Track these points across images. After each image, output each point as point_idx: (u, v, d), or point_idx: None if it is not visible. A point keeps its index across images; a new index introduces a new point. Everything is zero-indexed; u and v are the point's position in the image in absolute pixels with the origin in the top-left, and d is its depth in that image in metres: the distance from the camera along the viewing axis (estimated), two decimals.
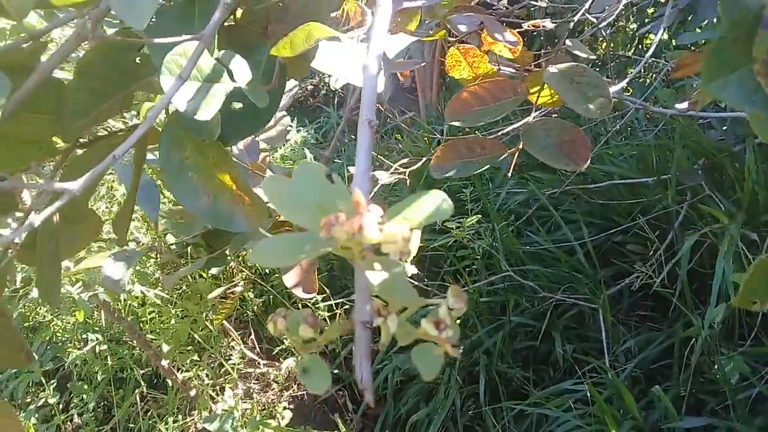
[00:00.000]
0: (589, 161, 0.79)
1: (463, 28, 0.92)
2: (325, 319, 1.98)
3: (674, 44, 2.47)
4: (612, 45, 2.97)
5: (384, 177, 1.42)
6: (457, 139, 0.94)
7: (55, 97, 0.60)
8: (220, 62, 0.56)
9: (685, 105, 0.76)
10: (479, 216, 1.86)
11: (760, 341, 1.49)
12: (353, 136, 2.68)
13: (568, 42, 1.00)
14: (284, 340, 1.81)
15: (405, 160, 1.47)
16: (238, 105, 0.67)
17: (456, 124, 0.92)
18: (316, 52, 0.68)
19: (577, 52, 0.94)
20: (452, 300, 0.44)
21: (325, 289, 1.93)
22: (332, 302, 1.94)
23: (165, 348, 1.74)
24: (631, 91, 2.45)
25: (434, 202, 0.34)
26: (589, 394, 1.48)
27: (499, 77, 0.97)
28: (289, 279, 1.13)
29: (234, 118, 0.67)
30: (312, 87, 4.91)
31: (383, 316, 0.36)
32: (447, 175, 0.95)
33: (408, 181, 1.45)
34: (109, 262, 0.95)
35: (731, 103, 0.37)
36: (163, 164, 0.64)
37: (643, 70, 2.77)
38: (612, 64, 2.84)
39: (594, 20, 1.52)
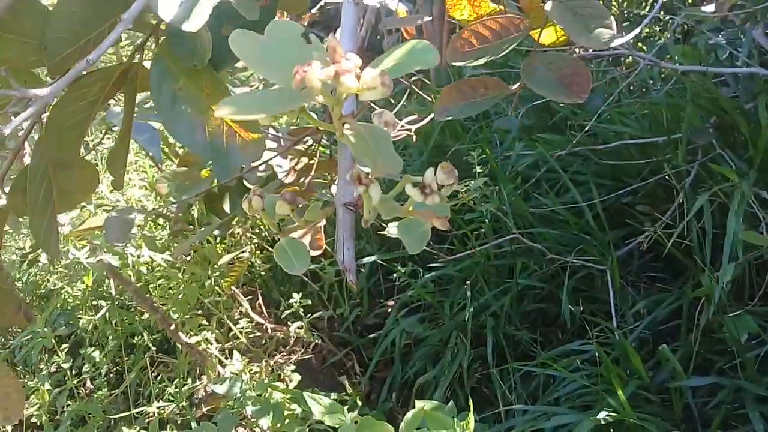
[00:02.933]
0: (589, 92, 0.77)
1: None
2: (332, 285, 1.99)
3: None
4: (626, 3, 2.89)
5: (391, 133, 1.40)
6: (460, 81, 0.91)
7: (38, 22, 0.57)
8: None
9: (712, 7, 0.73)
10: (486, 179, 1.84)
11: None
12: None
13: None
14: (292, 304, 1.82)
15: (412, 117, 1.45)
16: (229, 30, 0.65)
17: (458, 64, 0.89)
18: None
19: None
20: (442, 175, 0.41)
21: (333, 253, 1.93)
22: (340, 267, 1.94)
23: (174, 314, 1.76)
24: (645, 49, 2.40)
25: (415, 49, 0.32)
26: (596, 354, 1.47)
27: (501, 15, 0.94)
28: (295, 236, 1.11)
29: (225, 43, 0.65)
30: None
31: (365, 185, 0.34)
32: (451, 117, 0.93)
33: (415, 139, 1.43)
34: (110, 217, 0.95)
35: None
36: (156, 99, 0.62)
37: (657, 28, 2.70)
38: (626, 24, 2.77)
39: None
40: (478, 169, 1.94)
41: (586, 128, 1.87)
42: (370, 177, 0.32)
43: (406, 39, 2.80)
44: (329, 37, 0.29)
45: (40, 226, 0.63)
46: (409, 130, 1.53)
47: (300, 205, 0.37)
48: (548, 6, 0.75)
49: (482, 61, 0.83)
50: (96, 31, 0.58)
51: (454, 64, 0.85)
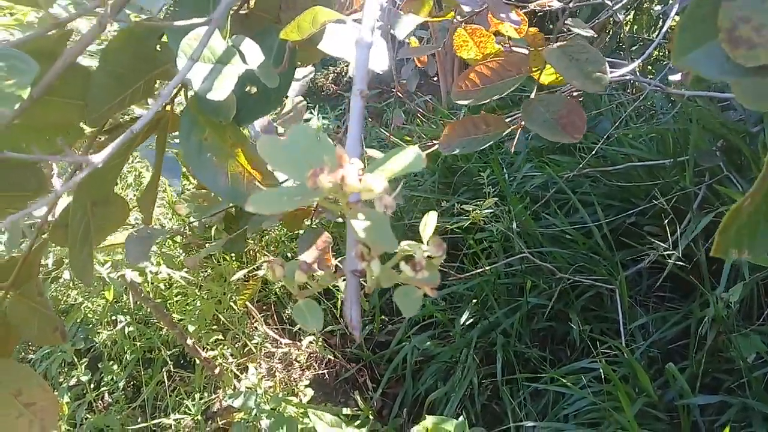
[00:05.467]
0: (584, 132, 0.82)
1: (467, 8, 0.95)
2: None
3: None
4: (635, 27, 2.94)
5: None
6: (464, 118, 0.97)
7: (81, 83, 0.64)
8: (232, 46, 0.59)
9: (678, 77, 0.78)
10: (496, 199, 1.88)
11: None
12: (370, 119, 2.71)
13: (568, 21, 1.02)
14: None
15: (417, 144, 1.49)
16: (252, 89, 0.71)
17: (463, 102, 0.95)
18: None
19: (577, 31, 0.97)
20: (432, 248, 0.49)
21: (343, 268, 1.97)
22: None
23: (191, 328, 1.80)
24: (654, 72, 2.44)
25: (408, 157, 0.38)
26: (603, 373, 1.50)
27: (504, 56, 0.99)
28: (306, 258, 1.17)
29: (248, 101, 0.71)
30: (334, 74, 4.94)
31: (367, 261, 0.40)
32: (453, 152, 0.98)
33: (425, 163, 1.48)
34: (130, 236, 1.00)
35: (705, 74, 0.39)
36: (184, 146, 0.68)
37: (665, 52, 2.74)
38: (634, 47, 2.82)
39: (609, 2, 1.52)
40: (488, 189, 1.99)
41: (594, 150, 1.91)
42: (371, 254, 0.39)
43: (419, 67, 2.84)
44: (337, 146, 0.35)
45: (79, 258, 0.68)
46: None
47: (315, 273, 0.44)
48: (546, 51, 0.80)
49: (486, 101, 0.88)
50: (132, 88, 0.65)
51: (459, 102, 0.90)
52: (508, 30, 0.99)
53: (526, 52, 1.00)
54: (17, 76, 0.42)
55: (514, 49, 1.02)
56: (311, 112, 2.97)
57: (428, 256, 0.47)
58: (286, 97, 0.88)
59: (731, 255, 0.43)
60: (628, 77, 1.74)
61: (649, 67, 2.74)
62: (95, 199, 0.72)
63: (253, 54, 0.61)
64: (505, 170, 2.23)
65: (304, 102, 1.41)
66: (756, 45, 0.35)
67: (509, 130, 0.96)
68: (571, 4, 1.18)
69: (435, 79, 3.56)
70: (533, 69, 0.94)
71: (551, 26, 2.76)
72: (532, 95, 0.92)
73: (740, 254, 0.43)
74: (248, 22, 0.79)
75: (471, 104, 0.96)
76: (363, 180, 0.34)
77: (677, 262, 1.63)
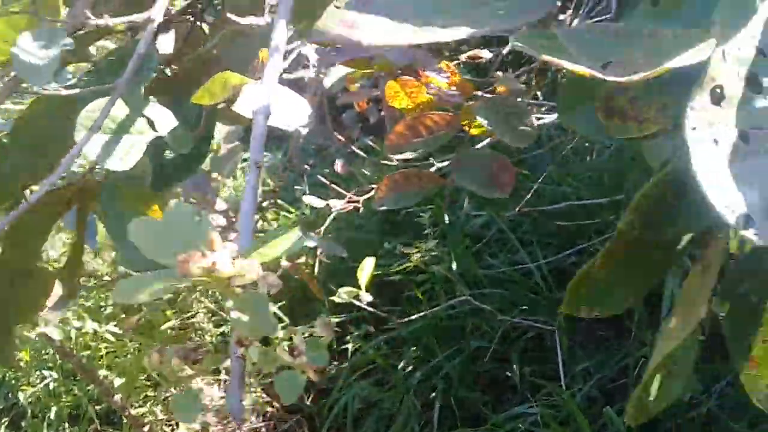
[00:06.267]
0: (512, 186, 0.82)
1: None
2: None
3: None
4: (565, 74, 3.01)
5: (339, 205, 1.42)
6: (397, 173, 0.97)
7: None
8: (141, 113, 0.58)
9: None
10: (437, 241, 1.87)
11: (712, 359, 1.50)
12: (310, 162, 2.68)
13: (498, 74, 1.03)
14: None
15: (354, 191, 1.47)
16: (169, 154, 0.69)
17: (396, 157, 0.95)
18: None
19: (506, 84, 0.98)
20: (319, 329, 0.46)
21: (285, 318, 1.92)
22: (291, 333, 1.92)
23: (119, 383, 1.72)
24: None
25: (290, 240, 0.37)
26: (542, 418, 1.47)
27: (435, 109, 0.99)
28: None
29: (166, 167, 0.69)
30: None
31: (245, 346, 0.38)
32: (385, 208, 0.99)
33: (361, 208, 1.46)
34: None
35: (584, 134, 0.40)
36: (105, 215, 0.67)
37: None
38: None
39: None
40: (430, 230, 1.98)
41: (532, 190, 1.92)
42: (249, 338, 0.38)
43: (360, 112, 2.86)
44: (210, 230, 0.34)
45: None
46: (357, 201, 1.56)
47: (194, 359, 0.42)
48: (474, 106, 0.81)
49: (416, 156, 0.88)
50: (49, 157, 0.63)
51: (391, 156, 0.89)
52: (439, 81, 0.99)
53: (459, 100, 1.00)
54: None
55: (446, 98, 1.02)
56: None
57: (315, 336, 0.45)
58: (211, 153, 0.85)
59: (580, 313, 0.46)
60: None
61: None
62: (16, 271, 0.69)
63: (162, 120, 0.60)
64: (447, 210, 2.22)
65: (239, 144, 1.39)
66: (629, 118, 0.35)
67: (442, 184, 0.96)
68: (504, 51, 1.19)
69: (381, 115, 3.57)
70: (463, 122, 0.94)
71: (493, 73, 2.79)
72: (462, 150, 0.92)
73: (590, 312, 0.46)
74: (172, 86, 0.76)
75: (402, 157, 0.96)
76: (236, 265, 0.33)
77: None
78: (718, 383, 1.44)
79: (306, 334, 0.44)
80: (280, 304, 1.98)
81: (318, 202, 1.46)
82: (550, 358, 1.72)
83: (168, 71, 0.74)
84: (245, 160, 2.81)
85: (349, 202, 1.48)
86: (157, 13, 0.48)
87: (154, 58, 0.59)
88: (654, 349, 0.46)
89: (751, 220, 0.28)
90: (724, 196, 0.29)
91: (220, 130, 1.26)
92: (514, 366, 1.68)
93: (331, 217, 1.52)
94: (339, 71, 1.26)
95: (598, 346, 1.74)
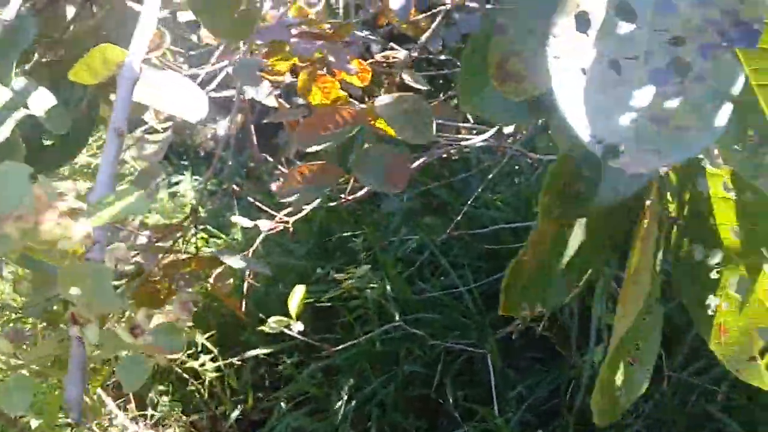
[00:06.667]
0: (405, 184, 0.84)
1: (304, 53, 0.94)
2: (213, 382, 1.91)
3: None
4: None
5: (268, 225, 1.39)
6: (303, 165, 0.97)
7: None
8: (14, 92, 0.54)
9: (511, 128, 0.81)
10: (369, 266, 1.85)
11: None
12: (242, 184, 2.63)
13: (404, 74, 1.05)
14: (167, 404, 1.72)
15: (285, 212, 1.44)
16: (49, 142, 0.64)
17: (308, 150, 0.95)
18: None
19: (412, 84, 1.00)
20: (176, 308, 0.42)
21: (212, 349, 1.86)
22: (220, 363, 1.87)
23: (34, 424, 1.61)
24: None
25: (130, 199, 0.32)
26: None
27: (345, 103, 1.00)
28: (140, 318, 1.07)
29: (45, 151, 0.64)
30: (213, 131, 4.81)
31: (80, 324, 0.33)
32: (290, 199, 0.98)
33: (291, 230, 1.43)
34: None
35: (489, 118, 0.39)
36: None
37: None
38: None
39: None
40: (362, 255, 1.97)
41: (461, 213, 1.94)
42: (88, 316, 0.32)
43: (291, 131, 2.83)
44: (37, 187, 0.30)
45: None
46: (287, 222, 1.52)
47: (25, 341, 0.37)
48: (378, 105, 0.82)
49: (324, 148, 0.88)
50: None
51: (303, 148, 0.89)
52: (352, 78, 1.00)
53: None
54: None
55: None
56: (183, 173, 2.84)
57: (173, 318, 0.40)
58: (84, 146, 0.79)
59: (522, 311, 0.44)
60: (491, 141, 1.80)
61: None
62: None
63: (39, 100, 0.55)
64: (380, 234, 2.22)
65: (159, 163, 1.34)
66: (523, 78, 0.34)
67: (344, 177, 0.96)
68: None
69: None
70: (370, 119, 0.94)
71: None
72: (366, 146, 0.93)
73: (532, 309, 0.44)
74: (58, 70, 0.72)
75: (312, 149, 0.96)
76: (62, 226, 0.29)
77: (547, 321, 1.65)
78: (647, 403, 1.47)
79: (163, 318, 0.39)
80: (208, 334, 1.91)
81: (246, 223, 1.42)
82: (483, 382, 1.73)
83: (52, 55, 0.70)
84: (177, 183, 2.74)
85: (278, 222, 1.45)
86: None
87: (29, 32, 0.55)
88: (612, 335, 0.44)
89: (618, 149, 0.27)
90: (591, 125, 0.28)
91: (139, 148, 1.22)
92: (448, 391, 1.68)
93: (261, 238, 1.48)
94: (265, 87, 1.25)
95: (530, 368, 1.76)
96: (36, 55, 0.66)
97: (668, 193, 0.42)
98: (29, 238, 0.27)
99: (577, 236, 0.44)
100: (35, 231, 0.27)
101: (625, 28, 0.29)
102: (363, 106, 0.95)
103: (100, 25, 0.64)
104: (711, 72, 0.28)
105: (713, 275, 0.43)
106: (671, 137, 0.27)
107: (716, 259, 0.43)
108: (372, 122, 0.90)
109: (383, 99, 0.83)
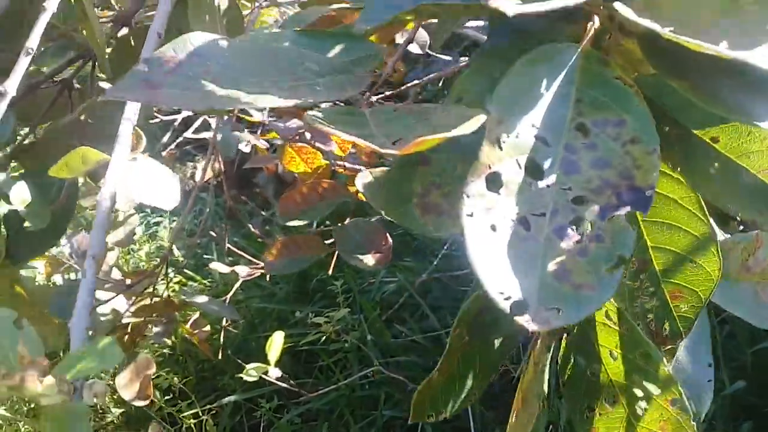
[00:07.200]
0: (389, 259, 0.85)
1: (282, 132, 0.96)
2: (189, 427, 1.88)
3: None
4: None
5: (245, 271, 1.40)
6: (288, 238, 0.98)
7: None
8: None
9: None
10: (348, 310, 1.86)
11: None
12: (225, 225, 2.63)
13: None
14: None
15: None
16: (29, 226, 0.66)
17: (290, 223, 0.96)
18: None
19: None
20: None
21: (190, 394, 1.84)
22: (198, 409, 1.85)
23: None
24: None
25: (101, 353, 0.34)
26: None
27: (327, 175, 1.01)
28: (120, 384, 1.07)
29: (25, 238, 0.66)
30: (192, 170, 4.80)
31: None
32: (275, 273, 0.99)
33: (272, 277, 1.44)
34: None
35: (413, 231, 0.41)
36: None
37: None
38: None
39: None
40: (341, 298, 1.97)
41: (439, 255, 1.96)
42: None
43: (269, 175, 2.84)
44: (20, 345, 0.33)
45: None
46: (263, 267, 1.53)
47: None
48: (360, 181, 0.83)
49: (309, 221, 0.89)
50: None
51: (286, 223, 0.90)
52: (333, 149, 1.02)
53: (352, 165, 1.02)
54: None
55: (347, 164, 1.04)
56: (162, 215, 2.84)
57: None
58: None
59: (429, 418, 0.49)
60: None
61: None
62: None
63: (18, 194, 0.58)
64: (359, 276, 2.23)
65: (136, 215, 1.35)
66: (443, 212, 0.36)
67: (325, 253, 0.97)
68: None
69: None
70: (353, 191, 0.96)
71: None
72: (347, 221, 0.94)
73: (438, 416, 0.49)
74: (36, 153, 0.74)
75: (296, 224, 0.97)
76: (44, 382, 0.31)
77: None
78: None
79: None
80: (186, 379, 1.90)
81: (224, 269, 1.43)
82: (463, 426, 1.72)
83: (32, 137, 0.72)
84: (157, 223, 2.73)
85: (255, 268, 1.46)
86: (11, 86, 0.46)
87: (8, 129, 0.58)
88: None
89: (525, 305, 0.28)
90: (499, 282, 0.29)
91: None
92: None
93: (239, 283, 1.49)
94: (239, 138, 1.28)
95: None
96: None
97: None
98: (15, 392, 0.30)
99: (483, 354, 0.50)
100: (20, 387, 0.30)
101: (534, 186, 0.31)
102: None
103: (79, 114, 0.67)
104: (608, 233, 0.30)
105: (588, 414, 0.49)
106: (571, 295, 0.29)
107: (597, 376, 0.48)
108: (356, 194, 0.92)
109: (364, 176, 0.85)
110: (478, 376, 0.50)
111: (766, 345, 1.57)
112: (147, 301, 1.18)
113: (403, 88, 1.15)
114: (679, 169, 0.41)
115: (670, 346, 0.47)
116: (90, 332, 0.41)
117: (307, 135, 0.94)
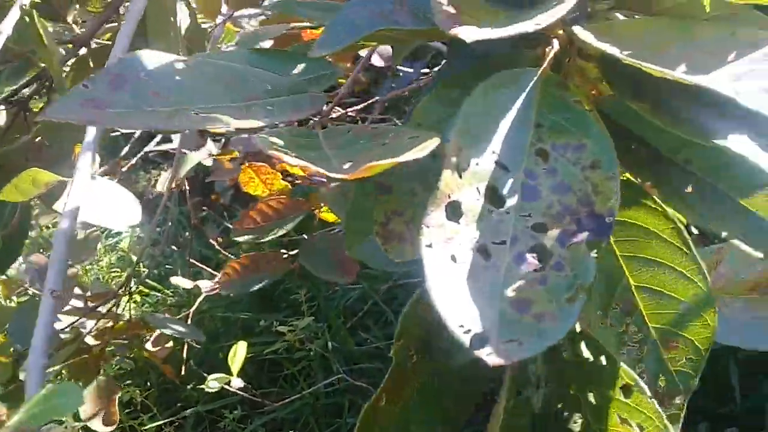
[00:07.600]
0: (356, 273, 0.83)
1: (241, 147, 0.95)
2: None
3: None
4: None
5: (207, 286, 1.37)
6: (245, 256, 0.96)
7: None
8: None
9: None
10: (312, 318, 1.84)
11: None
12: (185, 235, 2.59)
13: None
14: None
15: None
16: None
17: (242, 239, 0.94)
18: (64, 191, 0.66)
19: None
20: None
21: (152, 407, 1.80)
22: (160, 422, 1.81)
23: None
24: None
25: (63, 397, 0.33)
26: None
27: (289, 193, 0.99)
28: (85, 411, 1.04)
29: None
30: (156, 178, 4.71)
31: None
32: (232, 293, 0.97)
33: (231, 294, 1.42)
34: None
35: (374, 267, 0.40)
36: None
37: None
38: None
39: None
40: (305, 306, 1.95)
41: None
42: None
43: (229, 185, 2.80)
44: None
45: None
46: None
47: None
48: (323, 194, 0.82)
49: (266, 238, 0.87)
50: None
51: (237, 239, 0.88)
52: (294, 169, 1.00)
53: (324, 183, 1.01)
54: None
55: (311, 179, 1.03)
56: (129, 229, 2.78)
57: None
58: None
59: None
60: None
61: None
62: None
63: None
64: (323, 284, 2.20)
65: (97, 232, 1.31)
66: (406, 240, 0.35)
67: (289, 269, 0.95)
68: None
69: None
70: (313, 208, 0.94)
71: None
72: (312, 234, 0.93)
73: None
74: None
75: (251, 240, 0.95)
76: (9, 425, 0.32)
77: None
78: None
79: None
80: (147, 392, 1.85)
81: (186, 283, 1.41)
82: None
83: None
84: (118, 233, 2.67)
85: (218, 282, 1.44)
86: None
87: None
88: None
89: (485, 338, 0.27)
90: (459, 315, 0.27)
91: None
92: None
93: (201, 297, 1.46)
94: (191, 160, 1.25)
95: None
96: None
97: None
98: None
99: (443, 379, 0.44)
100: None
101: (494, 213, 0.30)
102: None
103: (35, 136, 0.66)
104: (568, 261, 0.29)
105: None
106: (532, 326, 0.27)
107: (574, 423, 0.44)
108: (317, 211, 0.91)
109: (330, 187, 0.84)
110: (446, 410, 0.44)
111: (718, 347, 1.60)
112: (110, 323, 1.15)
113: (369, 102, 1.14)
114: (653, 188, 0.39)
115: (673, 410, 0.44)
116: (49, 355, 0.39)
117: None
